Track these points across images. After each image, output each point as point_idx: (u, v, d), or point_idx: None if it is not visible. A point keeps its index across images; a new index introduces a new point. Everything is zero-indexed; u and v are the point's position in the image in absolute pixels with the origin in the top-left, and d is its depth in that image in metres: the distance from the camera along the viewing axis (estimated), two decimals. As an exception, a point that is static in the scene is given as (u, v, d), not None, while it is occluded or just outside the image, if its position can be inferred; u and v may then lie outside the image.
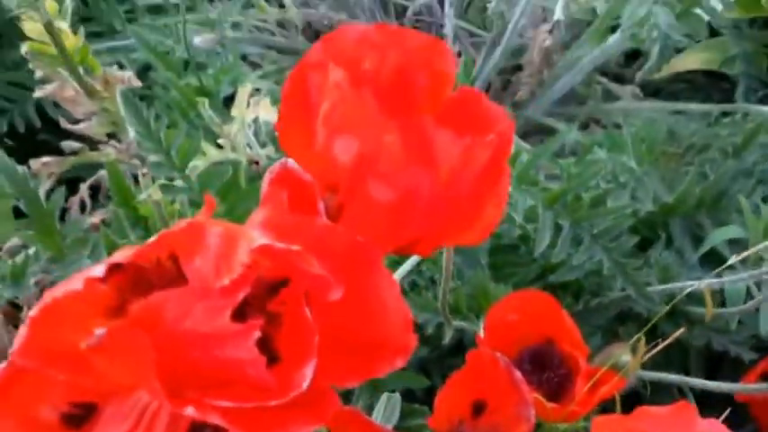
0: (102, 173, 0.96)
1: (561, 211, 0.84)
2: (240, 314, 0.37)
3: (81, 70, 0.79)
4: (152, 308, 0.36)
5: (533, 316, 0.68)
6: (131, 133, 0.83)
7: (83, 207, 0.96)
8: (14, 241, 0.89)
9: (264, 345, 0.37)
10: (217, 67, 1.07)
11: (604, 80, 1.17)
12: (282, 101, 0.49)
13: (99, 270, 0.34)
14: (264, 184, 0.52)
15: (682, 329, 0.70)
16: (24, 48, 0.76)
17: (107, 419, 0.39)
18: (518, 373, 0.57)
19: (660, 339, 0.84)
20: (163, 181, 0.77)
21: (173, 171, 0.84)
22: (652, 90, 1.24)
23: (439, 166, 0.42)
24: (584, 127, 1.21)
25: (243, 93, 0.86)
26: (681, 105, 1.12)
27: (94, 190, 0.97)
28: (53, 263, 0.84)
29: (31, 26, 0.73)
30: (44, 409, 0.38)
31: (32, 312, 0.34)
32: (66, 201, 0.97)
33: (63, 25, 0.74)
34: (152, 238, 0.37)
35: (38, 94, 0.81)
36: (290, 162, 0.51)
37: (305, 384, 0.35)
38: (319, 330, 0.37)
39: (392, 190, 0.43)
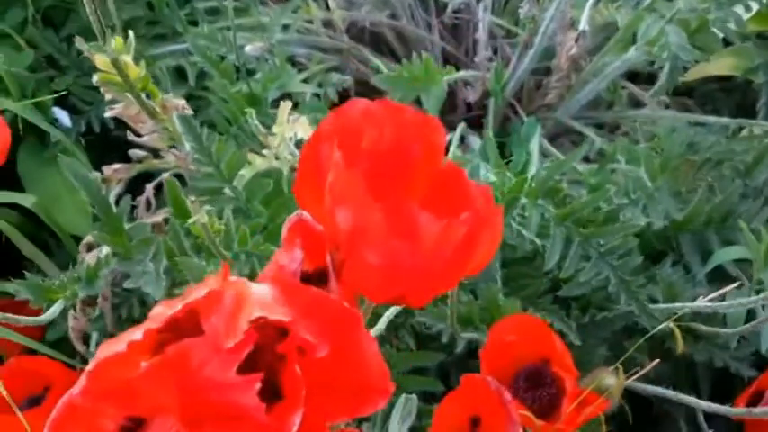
0: (165, 175, 1.07)
1: (571, 227, 0.91)
2: (250, 361, 0.46)
3: (143, 95, 0.89)
4: (181, 352, 0.46)
5: (529, 338, 0.76)
6: (187, 146, 0.93)
7: (148, 205, 1.07)
8: (90, 238, 1.01)
9: (271, 384, 0.46)
10: (266, 72, 1.16)
11: (630, 85, 1.23)
12: (299, 163, 0.58)
13: (138, 334, 0.44)
14: (283, 230, 0.61)
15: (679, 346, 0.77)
16: (95, 78, 0.87)
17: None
18: (507, 395, 0.65)
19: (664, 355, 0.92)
20: (209, 204, 0.88)
21: (222, 182, 0.94)
22: (684, 90, 1.28)
23: (421, 240, 0.51)
24: (613, 130, 1.27)
25: (283, 110, 0.95)
26: (701, 117, 1.16)
27: (158, 189, 1.08)
28: (121, 260, 0.96)
29: (101, 60, 0.84)
30: (106, 421, 0.48)
31: (89, 367, 0.44)
32: (134, 199, 1.08)
33: (127, 59, 0.84)
34: (180, 301, 0.47)
35: (108, 114, 0.93)
36: (305, 214, 0.61)
37: (293, 429, 0.45)
38: (312, 377, 0.47)
39: (379, 257, 0.51)
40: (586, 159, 1.24)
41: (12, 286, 0.84)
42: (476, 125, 1.28)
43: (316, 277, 0.60)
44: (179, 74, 1.23)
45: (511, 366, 0.77)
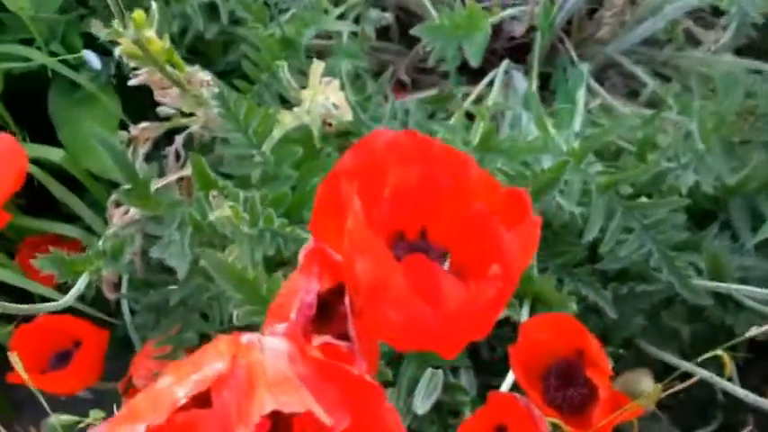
0: (195, 127, 1.04)
1: (614, 198, 0.87)
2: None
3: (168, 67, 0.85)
4: (190, 422, 0.45)
5: (562, 337, 0.73)
6: (215, 110, 0.90)
7: (177, 157, 1.05)
8: (116, 197, 0.99)
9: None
10: (300, 10, 1.10)
11: (690, 24, 1.14)
12: (317, 198, 0.54)
13: (140, 429, 0.42)
14: (300, 256, 0.58)
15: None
16: (117, 51, 0.83)
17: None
18: (537, 411, 0.63)
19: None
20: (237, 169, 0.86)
21: (250, 148, 0.91)
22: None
23: (445, 303, 0.48)
24: (665, 69, 1.20)
25: (315, 72, 0.90)
26: (762, 65, 1.08)
27: (188, 141, 1.05)
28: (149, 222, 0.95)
29: (124, 40, 0.80)
30: None
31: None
32: (163, 149, 1.06)
33: (150, 33, 0.80)
34: (190, 373, 0.45)
35: (132, 82, 0.89)
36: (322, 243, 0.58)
37: None
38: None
39: (401, 316, 0.49)
40: (634, 94, 1.18)
41: (36, 261, 0.84)
42: (519, 57, 1.21)
43: (330, 295, 0.58)
44: (211, 10, 1.17)
45: (542, 364, 0.74)
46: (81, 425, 0.78)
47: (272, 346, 0.49)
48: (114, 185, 1.15)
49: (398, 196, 0.53)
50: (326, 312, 0.56)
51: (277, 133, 0.92)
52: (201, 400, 0.46)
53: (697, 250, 0.89)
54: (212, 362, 0.46)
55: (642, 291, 0.89)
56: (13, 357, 0.77)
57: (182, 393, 0.44)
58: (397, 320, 0.49)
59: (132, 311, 1.07)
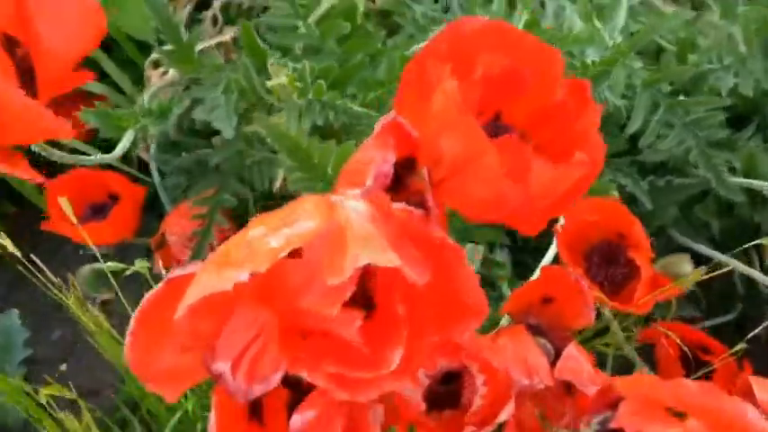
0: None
1: (658, 93, 0.88)
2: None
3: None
4: (279, 271, 0.46)
5: (608, 219, 0.76)
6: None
7: (215, 21, 1.04)
8: (155, 56, 0.99)
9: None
10: None
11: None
12: (403, 76, 0.55)
13: (244, 276, 0.44)
14: (376, 127, 0.59)
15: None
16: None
17: (236, 321, 0.49)
18: (585, 283, 0.66)
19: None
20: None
21: (297, 19, 0.91)
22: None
23: (532, 184, 0.49)
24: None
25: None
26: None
27: (225, 7, 1.04)
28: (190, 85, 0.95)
29: None
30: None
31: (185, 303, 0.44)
32: (200, 13, 1.05)
33: None
34: (282, 226, 0.46)
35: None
36: (401, 118, 0.59)
37: (393, 367, 0.45)
38: (410, 303, 0.47)
39: (485, 193, 0.50)
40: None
41: (81, 114, 0.83)
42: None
43: (403, 166, 0.59)
44: None
45: (585, 245, 0.77)
46: (128, 272, 0.80)
47: (354, 208, 0.50)
48: (143, 46, 1.14)
49: (485, 81, 0.53)
50: (395, 183, 0.57)
51: (324, 4, 0.92)
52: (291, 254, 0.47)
53: (733, 150, 0.91)
54: (303, 219, 0.47)
55: (678, 184, 0.91)
56: (63, 201, 0.79)
57: (275, 244, 0.45)
58: (480, 196, 0.51)
59: (160, 173, 1.08)
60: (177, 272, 0.47)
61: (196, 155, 0.99)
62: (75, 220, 0.78)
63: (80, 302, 0.84)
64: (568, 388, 0.71)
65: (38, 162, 0.63)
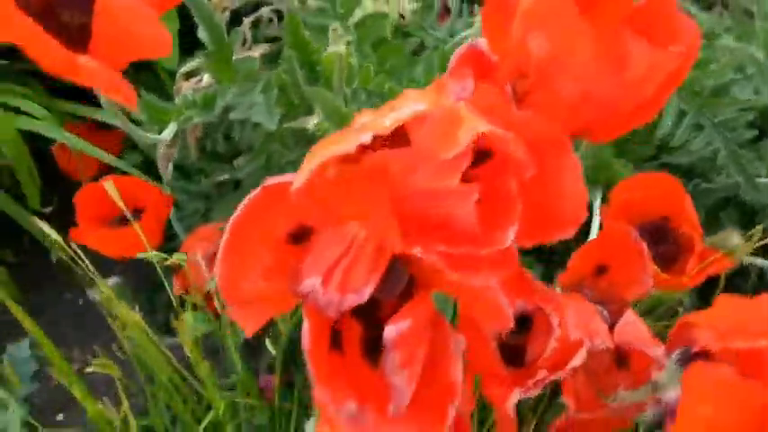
0: (264, 10, 1.05)
1: (687, 97, 0.90)
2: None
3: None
4: (380, 160, 0.46)
5: (657, 195, 0.76)
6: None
7: (243, 41, 1.06)
8: (191, 65, 1.00)
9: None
10: None
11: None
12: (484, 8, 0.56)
13: (366, 137, 0.43)
14: (453, 59, 0.60)
15: None
16: None
17: (323, 241, 0.49)
18: (644, 245, 0.66)
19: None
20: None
21: (335, 19, 0.93)
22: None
23: (629, 69, 0.50)
24: (709, 7, 1.24)
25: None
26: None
27: (255, 25, 1.06)
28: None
29: None
30: (278, 227, 0.48)
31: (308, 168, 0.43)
32: (228, 33, 1.06)
33: None
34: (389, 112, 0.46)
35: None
36: (480, 42, 0.59)
37: (507, 243, 0.45)
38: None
39: (577, 88, 0.50)
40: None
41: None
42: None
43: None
44: None
45: (632, 223, 0.77)
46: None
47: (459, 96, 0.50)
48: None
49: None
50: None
51: (359, 13, 0.94)
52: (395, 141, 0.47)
53: (759, 156, 0.93)
54: (412, 103, 0.47)
55: (705, 188, 0.92)
56: (109, 185, 0.78)
57: (388, 123, 0.45)
58: (571, 94, 0.51)
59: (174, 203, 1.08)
60: (273, 180, 0.46)
61: (216, 179, 0.99)
62: (123, 206, 0.77)
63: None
64: (621, 360, 0.70)
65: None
